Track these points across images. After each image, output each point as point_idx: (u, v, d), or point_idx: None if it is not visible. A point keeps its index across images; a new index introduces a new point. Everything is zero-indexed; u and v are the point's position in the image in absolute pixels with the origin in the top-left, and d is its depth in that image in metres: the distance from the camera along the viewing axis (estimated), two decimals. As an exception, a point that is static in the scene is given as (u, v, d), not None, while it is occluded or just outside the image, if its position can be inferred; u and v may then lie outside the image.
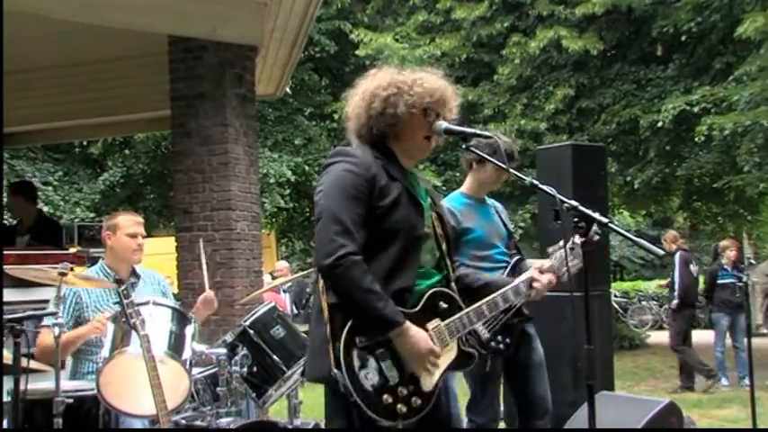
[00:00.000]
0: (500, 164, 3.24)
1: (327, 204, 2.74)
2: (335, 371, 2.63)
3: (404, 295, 2.78)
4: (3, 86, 5.08)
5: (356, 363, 2.66)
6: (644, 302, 21.46)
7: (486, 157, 3.40)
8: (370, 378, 2.67)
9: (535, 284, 3.15)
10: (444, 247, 3.02)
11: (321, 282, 2.77)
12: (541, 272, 3.20)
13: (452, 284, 3.01)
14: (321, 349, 2.71)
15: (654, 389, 10.54)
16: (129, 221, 4.44)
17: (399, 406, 2.71)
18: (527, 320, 4.33)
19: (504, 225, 4.49)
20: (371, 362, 2.69)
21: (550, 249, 3.27)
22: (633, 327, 19.06)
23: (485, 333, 3.04)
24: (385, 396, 2.69)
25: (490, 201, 4.59)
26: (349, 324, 2.67)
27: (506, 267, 4.29)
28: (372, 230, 2.75)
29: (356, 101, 2.97)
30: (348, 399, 2.65)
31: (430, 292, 2.87)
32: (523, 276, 3.20)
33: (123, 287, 3.59)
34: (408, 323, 2.73)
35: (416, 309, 2.82)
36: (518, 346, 4.24)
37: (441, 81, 2.99)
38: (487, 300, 3.02)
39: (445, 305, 2.91)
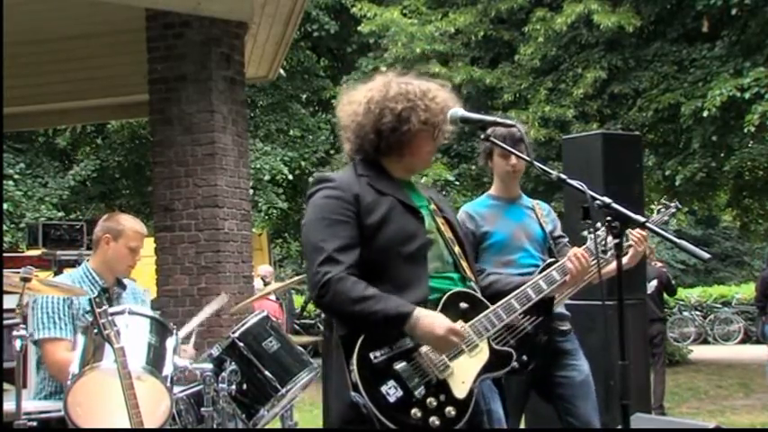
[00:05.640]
0: (516, 152, 3.24)
1: (309, 237, 2.91)
2: (353, 394, 2.72)
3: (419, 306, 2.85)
4: (3, 86, 5.08)
5: (375, 380, 2.75)
6: (685, 313, 21.37)
7: (502, 145, 3.40)
8: (393, 394, 2.75)
9: (569, 265, 3.27)
10: (457, 250, 3.11)
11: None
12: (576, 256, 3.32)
13: (472, 285, 3.09)
14: (337, 381, 2.82)
15: (698, 411, 10.53)
16: (136, 234, 4.48)
17: (432, 419, 2.78)
18: (559, 335, 4.29)
19: (542, 227, 4.43)
20: (392, 377, 2.77)
21: (585, 232, 3.41)
22: (673, 340, 19.00)
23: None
24: (413, 411, 2.76)
25: (532, 201, 4.54)
26: (360, 340, 2.77)
27: (534, 273, 4.22)
28: (368, 250, 2.88)
29: (358, 110, 3.04)
30: (374, 423, 2.71)
31: (447, 294, 2.95)
32: (557, 264, 3.29)
33: (96, 294, 3.60)
34: (419, 309, 2.80)
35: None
36: (549, 363, 4.22)
37: (448, 95, 3.11)
38: (517, 293, 3.10)
39: (466, 305, 2.98)
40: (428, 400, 2.78)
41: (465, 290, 3.03)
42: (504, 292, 3.15)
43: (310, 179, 2.94)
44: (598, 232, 3.35)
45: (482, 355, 2.96)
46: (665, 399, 10.49)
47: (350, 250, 2.84)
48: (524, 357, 4.03)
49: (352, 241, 2.86)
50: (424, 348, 2.83)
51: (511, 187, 4.46)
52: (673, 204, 4.47)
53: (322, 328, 3.04)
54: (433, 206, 3.16)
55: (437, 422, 2.77)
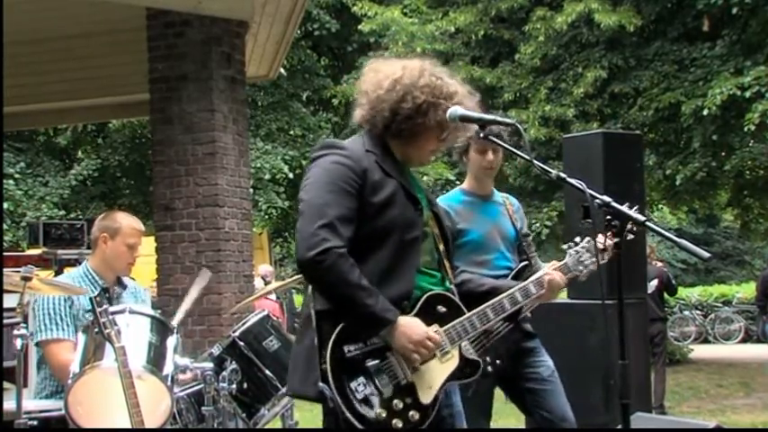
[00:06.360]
0: (521, 153, 3.25)
1: (311, 197, 2.83)
2: (321, 384, 2.71)
3: (402, 303, 2.86)
4: (3, 85, 5.10)
5: (345, 374, 2.74)
6: (686, 312, 21.36)
7: (501, 143, 3.40)
8: (360, 391, 2.75)
9: (547, 278, 3.28)
10: (442, 248, 3.12)
11: (311, 288, 2.88)
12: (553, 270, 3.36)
13: (452, 287, 3.09)
14: (306, 361, 2.82)
15: (698, 410, 10.52)
16: (132, 230, 4.45)
17: (395, 421, 2.77)
18: (527, 337, 4.30)
19: (513, 225, 4.44)
20: (362, 373, 2.77)
21: (565, 246, 3.44)
22: (674, 340, 19.00)
23: (471, 353, 3.05)
24: (378, 410, 2.76)
25: (502, 196, 4.52)
26: (336, 331, 2.76)
27: (508, 275, 4.19)
28: (365, 229, 2.84)
29: (384, 83, 3.00)
30: (339, 415, 2.72)
31: (426, 296, 2.94)
32: (534, 276, 3.30)
33: (96, 293, 3.60)
34: (401, 318, 2.81)
35: (412, 314, 2.89)
36: (516, 361, 4.23)
37: (473, 104, 3.09)
38: (493, 302, 3.10)
39: (444, 309, 2.97)
40: (394, 401, 2.78)
41: (444, 293, 3.02)
42: (477, 293, 3.18)
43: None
44: (581, 245, 3.42)
45: (452, 361, 2.95)
46: (666, 398, 10.49)
47: (349, 224, 2.79)
48: (498, 361, 4.04)
49: (352, 215, 2.81)
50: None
51: (485, 184, 4.43)
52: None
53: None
54: (425, 199, 3.14)
55: (399, 425, 2.77)
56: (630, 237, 2.89)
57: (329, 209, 2.77)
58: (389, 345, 2.81)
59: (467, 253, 4.22)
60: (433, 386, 2.88)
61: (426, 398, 2.84)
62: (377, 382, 2.77)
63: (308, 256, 2.71)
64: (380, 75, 3.03)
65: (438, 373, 2.90)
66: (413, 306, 2.90)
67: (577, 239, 3.43)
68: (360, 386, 2.74)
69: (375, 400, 2.75)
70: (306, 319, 2.89)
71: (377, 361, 2.79)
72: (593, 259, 3.37)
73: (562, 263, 3.39)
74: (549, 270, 3.35)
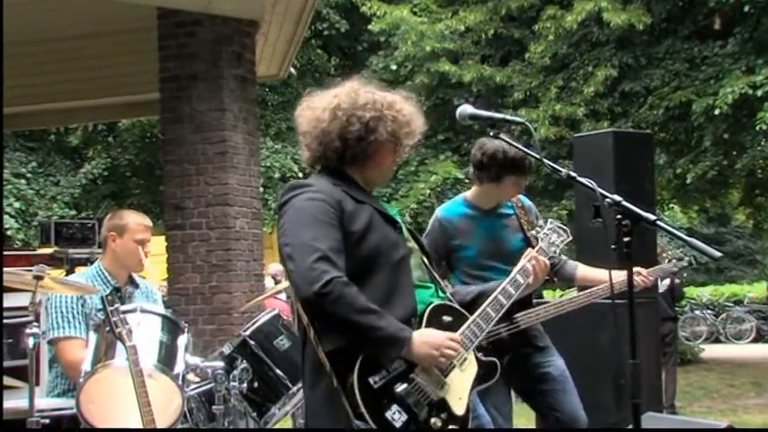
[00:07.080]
0: (531, 152, 3.28)
1: (295, 237, 2.74)
2: (357, 423, 2.65)
3: (410, 321, 2.84)
4: (3, 85, 5.13)
5: (378, 407, 2.69)
6: (697, 312, 21.31)
7: (515, 144, 3.43)
8: (398, 419, 2.70)
9: (529, 266, 3.35)
10: (426, 260, 3.13)
11: (312, 333, 2.79)
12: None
13: (448, 295, 3.10)
14: (327, 404, 2.76)
15: (709, 410, 10.51)
16: (139, 226, 4.48)
17: None
18: (536, 338, 4.29)
19: (524, 234, 4.33)
20: (394, 401, 2.72)
21: (533, 232, 3.68)
22: (685, 339, 18.96)
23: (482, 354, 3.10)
24: None
25: (513, 200, 4.42)
26: (357, 367, 2.69)
27: None
28: (353, 259, 2.77)
29: (323, 116, 2.95)
30: None
31: (428, 309, 2.93)
32: (517, 267, 3.35)
33: (107, 293, 3.63)
34: (414, 333, 2.78)
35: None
36: (526, 362, 4.23)
37: (413, 108, 3.05)
38: (490, 301, 3.11)
39: (449, 318, 2.97)
40: (432, 420, 2.76)
41: (445, 303, 3.02)
42: (466, 302, 3.16)
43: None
44: (546, 228, 3.60)
45: (472, 367, 2.96)
46: (677, 398, 10.47)
47: (341, 255, 2.73)
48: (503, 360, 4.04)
49: (341, 246, 2.75)
50: (419, 368, 2.79)
51: (493, 203, 4.39)
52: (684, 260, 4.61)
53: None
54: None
55: None
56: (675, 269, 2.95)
57: (318, 243, 2.69)
58: (412, 363, 2.77)
59: (464, 266, 4.30)
60: (463, 396, 2.88)
61: (459, 409, 2.85)
62: (411, 405, 2.72)
63: (313, 290, 2.62)
64: (316, 110, 2.98)
65: (463, 382, 2.91)
66: (419, 323, 2.87)
67: (541, 223, 3.65)
68: (395, 414, 2.69)
69: (414, 424, 2.72)
70: (314, 366, 2.82)
71: (405, 385, 2.74)
72: (561, 238, 3.63)
73: (537, 247, 3.51)
74: (530, 257, 3.40)
